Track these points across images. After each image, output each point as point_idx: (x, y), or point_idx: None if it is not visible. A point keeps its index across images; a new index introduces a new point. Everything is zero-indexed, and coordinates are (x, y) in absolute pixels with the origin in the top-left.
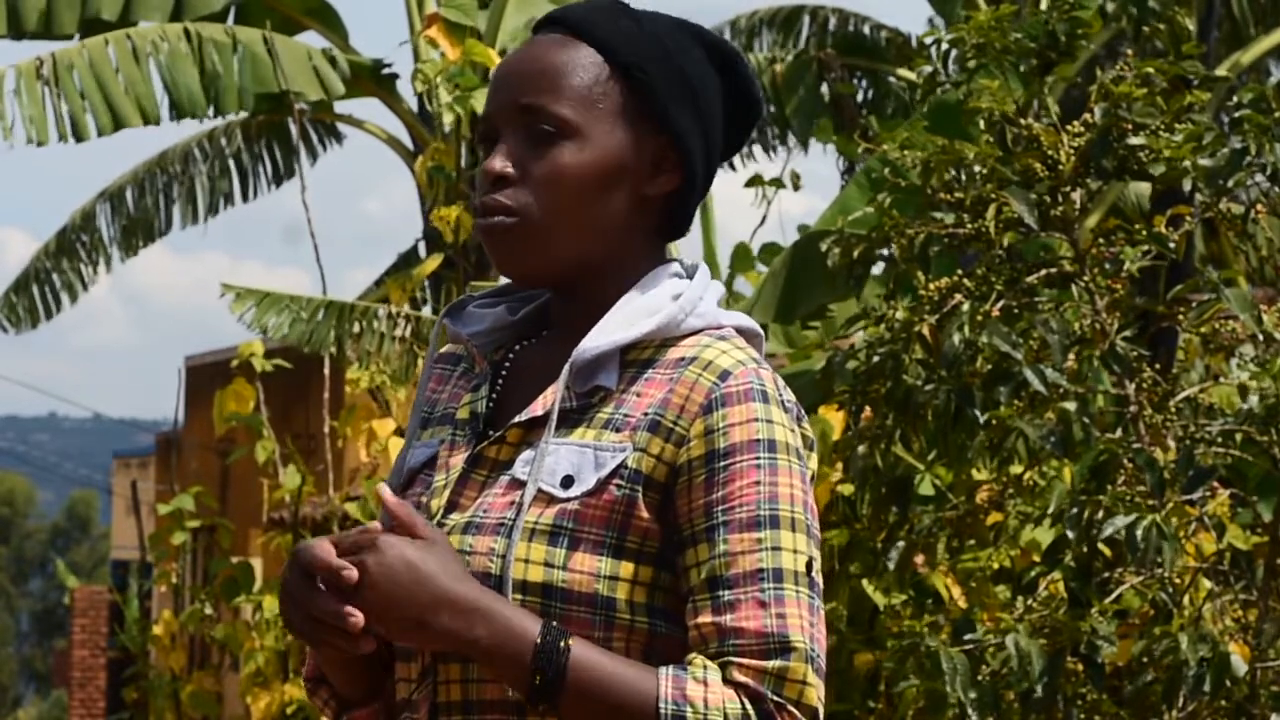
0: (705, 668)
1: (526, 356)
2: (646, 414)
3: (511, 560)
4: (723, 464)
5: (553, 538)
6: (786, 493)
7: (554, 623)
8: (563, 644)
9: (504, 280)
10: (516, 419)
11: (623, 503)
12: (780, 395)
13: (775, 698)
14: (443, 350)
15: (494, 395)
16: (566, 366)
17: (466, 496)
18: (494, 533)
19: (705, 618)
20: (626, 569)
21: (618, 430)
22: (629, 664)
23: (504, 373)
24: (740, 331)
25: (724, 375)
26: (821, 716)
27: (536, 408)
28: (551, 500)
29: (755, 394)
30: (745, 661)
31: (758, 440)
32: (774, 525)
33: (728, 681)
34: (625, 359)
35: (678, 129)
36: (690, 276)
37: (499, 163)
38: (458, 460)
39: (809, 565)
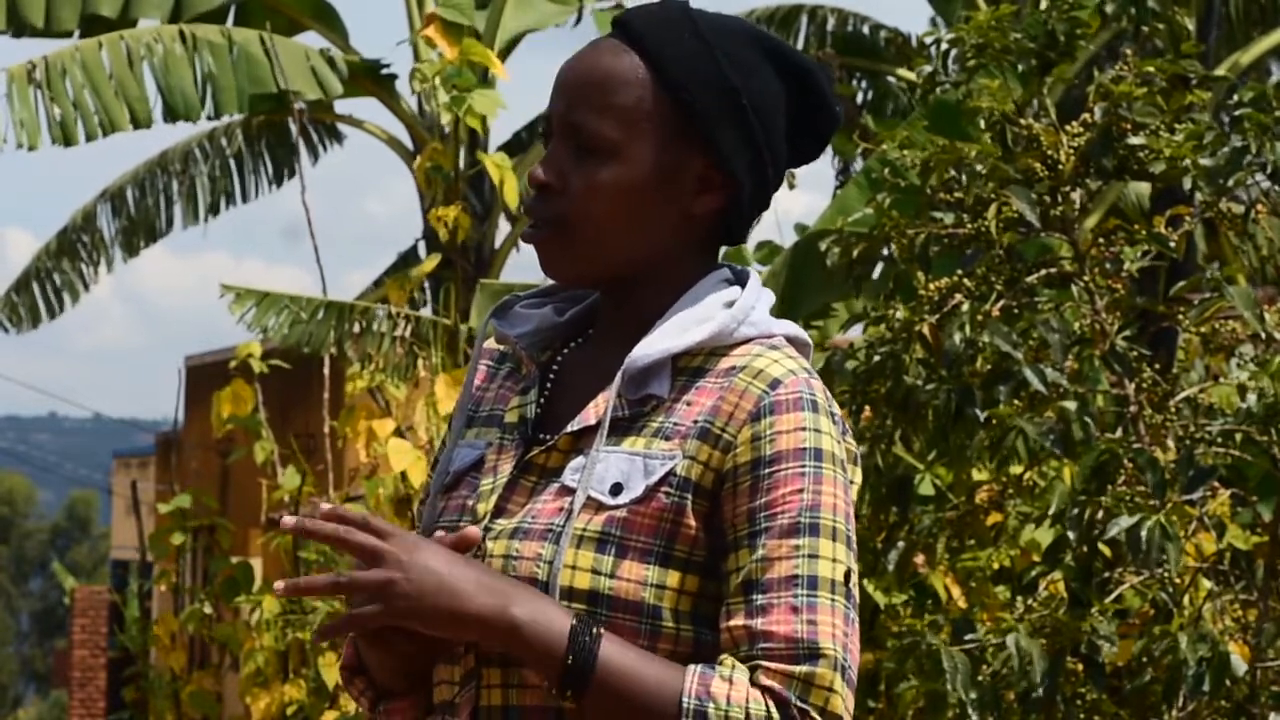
0: (734, 668)
1: (574, 359)
2: (696, 422)
3: (559, 567)
4: (768, 471)
5: (600, 545)
6: (830, 502)
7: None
8: (595, 630)
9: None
10: (569, 428)
11: (671, 510)
12: (829, 406)
13: (800, 704)
14: (487, 346)
15: (542, 399)
16: (619, 374)
17: (514, 502)
18: (542, 539)
19: (737, 620)
20: (674, 578)
21: (668, 439)
22: (656, 659)
23: (552, 375)
24: (791, 341)
25: (774, 384)
26: None
27: (589, 416)
28: (600, 507)
29: (805, 403)
30: (773, 665)
31: (804, 449)
32: (814, 533)
33: (754, 684)
34: (677, 366)
35: (723, 152)
36: (739, 282)
37: (542, 172)
38: (506, 465)
39: (847, 576)
